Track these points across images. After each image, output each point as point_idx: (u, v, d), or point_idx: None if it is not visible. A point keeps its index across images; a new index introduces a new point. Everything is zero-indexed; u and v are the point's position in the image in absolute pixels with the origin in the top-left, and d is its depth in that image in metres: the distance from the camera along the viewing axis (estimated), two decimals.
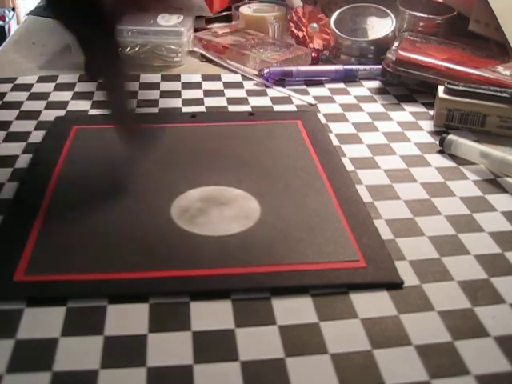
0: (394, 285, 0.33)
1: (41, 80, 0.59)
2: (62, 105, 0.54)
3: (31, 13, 0.84)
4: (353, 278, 0.33)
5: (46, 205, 0.38)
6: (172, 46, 0.64)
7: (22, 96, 0.56)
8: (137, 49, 0.64)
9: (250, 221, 0.37)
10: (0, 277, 0.32)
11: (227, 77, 0.62)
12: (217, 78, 0.61)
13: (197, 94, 0.57)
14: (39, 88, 0.58)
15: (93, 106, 0.53)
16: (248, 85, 0.60)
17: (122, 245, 0.35)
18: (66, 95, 0.56)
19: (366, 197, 0.41)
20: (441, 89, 0.52)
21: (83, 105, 0.54)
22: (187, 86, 0.59)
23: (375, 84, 0.61)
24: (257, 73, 0.61)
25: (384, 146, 0.48)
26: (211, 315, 0.30)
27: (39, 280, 0.32)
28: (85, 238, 0.35)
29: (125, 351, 0.28)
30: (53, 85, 0.58)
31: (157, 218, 0.37)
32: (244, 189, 0.41)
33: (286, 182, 0.42)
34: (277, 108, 0.55)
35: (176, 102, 0.55)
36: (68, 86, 0.58)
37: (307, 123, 0.51)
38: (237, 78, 0.62)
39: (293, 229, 0.37)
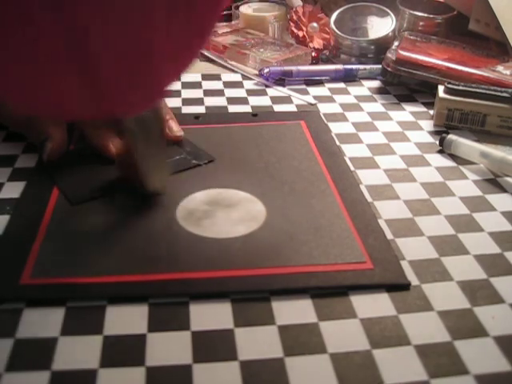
0: (401, 286, 0.33)
1: None
2: None
3: None
4: (360, 280, 0.33)
5: (52, 206, 0.38)
6: None
7: None
8: None
9: (256, 223, 0.37)
10: (7, 280, 0.32)
11: (227, 76, 0.62)
12: (217, 77, 0.62)
13: (197, 93, 0.57)
14: None
15: None
16: (248, 84, 0.60)
17: (126, 247, 0.35)
18: None
19: (365, 196, 0.41)
20: (441, 88, 0.51)
21: None
22: (187, 85, 0.59)
23: (375, 84, 0.61)
24: (257, 72, 0.61)
25: (384, 145, 0.48)
26: (210, 315, 0.30)
27: (45, 283, 0.32)
28: (89, 241, 0.35)
29: (124, 351, 0.28)
30: None
31: (162, 221, 0.37)
32: (249, 191, 0.41)
33: (291, 184, 0.41)
34: (277, 108, 0.55)
35: (176, 102, 0.55)
36: None
37: (311, 124, 0.51)
38: (237, 77, 0.62)
39: (299, 231, 0.37)
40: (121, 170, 0.41)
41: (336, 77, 0.61)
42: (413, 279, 0.33)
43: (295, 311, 0.31)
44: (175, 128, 0.47)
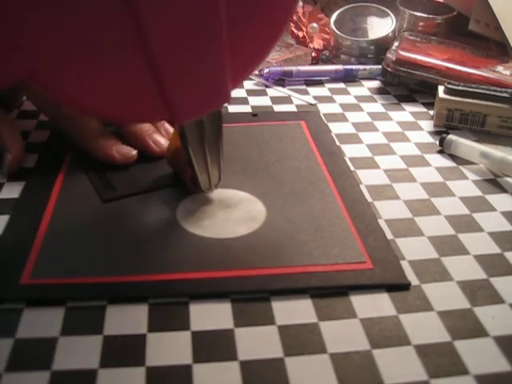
0: (401, 286, 0.33)
1: None
2: None
3: None
4: (360, 280, 0.33)
5: (52, 207, 0.38)
6: None
7: None
8: None
9: (256, 223, 0.37)
10: (7, 280, 0.32)
11: None
12: None
13: None
14: None
15: None
16: (248, 84, 0.60)
17: (125, 247, 0.35)
18: None
19: (365, 196, 0.41)
20: (441, 89, 0.52)
21: None
22: None
23: (375, 84, 0.61)
24: (257, 72, 0.61)
25: (384, 145, 0.48)
26: (210, 315, 0.30)
27: (45, 283, 0.32)
28: (89, 241, 0.35)
29: (124, 351, 0.28)
30: None
31: (162, 221, 0.37)
32: (249, 191, 0.41)
33: (291, 184, 0.41)
34: (277, 108, 0.55)
35: None
36: None
37: (311, 124, 0.51)
38: None
39: (299, 231, 0.37)
40: (172, 166, 0.41)
41: (336, 77, 0.61)
42: (413, 279, 0.33)
43: (295, 311, 0.31)
44: (162, 141, 0.44)
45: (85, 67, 0.28)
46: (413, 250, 0.36)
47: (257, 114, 0.52)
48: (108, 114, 0.32)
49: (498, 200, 0.41)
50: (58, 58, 0.27)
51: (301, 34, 0.69)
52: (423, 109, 0.55)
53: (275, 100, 0.56)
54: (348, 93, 0.59)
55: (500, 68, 0.57)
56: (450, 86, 0.51)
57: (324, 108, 0.55)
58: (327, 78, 0.62)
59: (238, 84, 0.33)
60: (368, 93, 0.59)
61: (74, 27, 0.26)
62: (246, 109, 0.54)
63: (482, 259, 0.35)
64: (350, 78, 0.62)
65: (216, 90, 0.32)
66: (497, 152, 0.44)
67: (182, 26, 0.29)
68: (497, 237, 0.37)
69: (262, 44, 0.32)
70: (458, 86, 0.51)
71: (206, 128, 0.35)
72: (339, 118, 0.53)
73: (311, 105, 0.56)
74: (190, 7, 0.28)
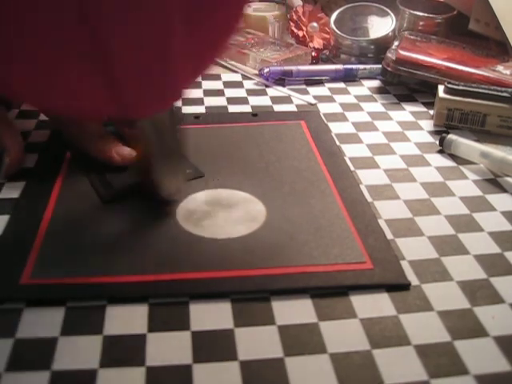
0: (401, 286, 0.33)
1: None
2: None
3: None
4: (360, 280, 0.33)
5: (52, 207, 0.38)
6: None
7: None
8: None
9: (256, 223, 0.37)
10: (7, 280, 0.32)
11: (227, 76, 0.62)
12: (217, 77, 0.61)
13: (197, 93, 0.57)
14: None
15: None
16: (248, 84, 0.60)
17: (126, 247, 0.35)
18: None
19: (365, 197, 0.41)
20: (441, 88, 0.51)
21: None
22: None
23: (375, 83, 0.61)
24: (257, 72, 0.61)
25: (384, 145, 0.48)
26: (210, 315, 0.30)
27: (45, 283, 0.32)
28: (89, 241, 0.35)
29: (124, 351, 0.28)
30: None
31: (162, 221, 0.37)
32: (249, 191, 0.41)
33: (291, 184, 0.42)
34: (277, 108, 0.55)
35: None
36: None
37: (311, 124, 0.51)
38: (237, 77, 0.62)
39: (299, 231, 0.37)
40: (136, 175, 0.41)
41: (336, 77, 0.61)
42: (413, 279, 0.33)
43: (295, 311, 0.31)
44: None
45: (38, 72, 0.27)
46: (413, 250, 0.36)
47: (257, 114, 0.52)
48: (66, 113, 0.33)
49: (498, 200, 0.41)
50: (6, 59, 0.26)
51: (301, 34, 0.69)
52: (423, 108, 0.55)
53: (275, 100, 0.56)
54: (348, 92, 0.59)
55: (500, 67, 0.57)
56: (450, 85, 0.51)
57: (324, 108, 0.55)
58: (327, 77, 0.62)
59: (191, 81, 0.35)
60: (368, 92, 0.59)
61: (34, 44, 0.26)
62: (246, 109, 0.54)
63: (481, 259, 0.35)
64: (350, 77, 0.62)
65: (170, 92, 0.33)
66: (497, 152, 0.44)
67: (140, 37, 0.28)
68: (497, 237, 0.37)
69: (217, 42, 0.33)
70: (458, 85, 0.50)
71: (164, 131, 0.36)
72: (339, 117, 0.53)
73: (311, 104, 0.56)
74: (146, 19, 0.27)
